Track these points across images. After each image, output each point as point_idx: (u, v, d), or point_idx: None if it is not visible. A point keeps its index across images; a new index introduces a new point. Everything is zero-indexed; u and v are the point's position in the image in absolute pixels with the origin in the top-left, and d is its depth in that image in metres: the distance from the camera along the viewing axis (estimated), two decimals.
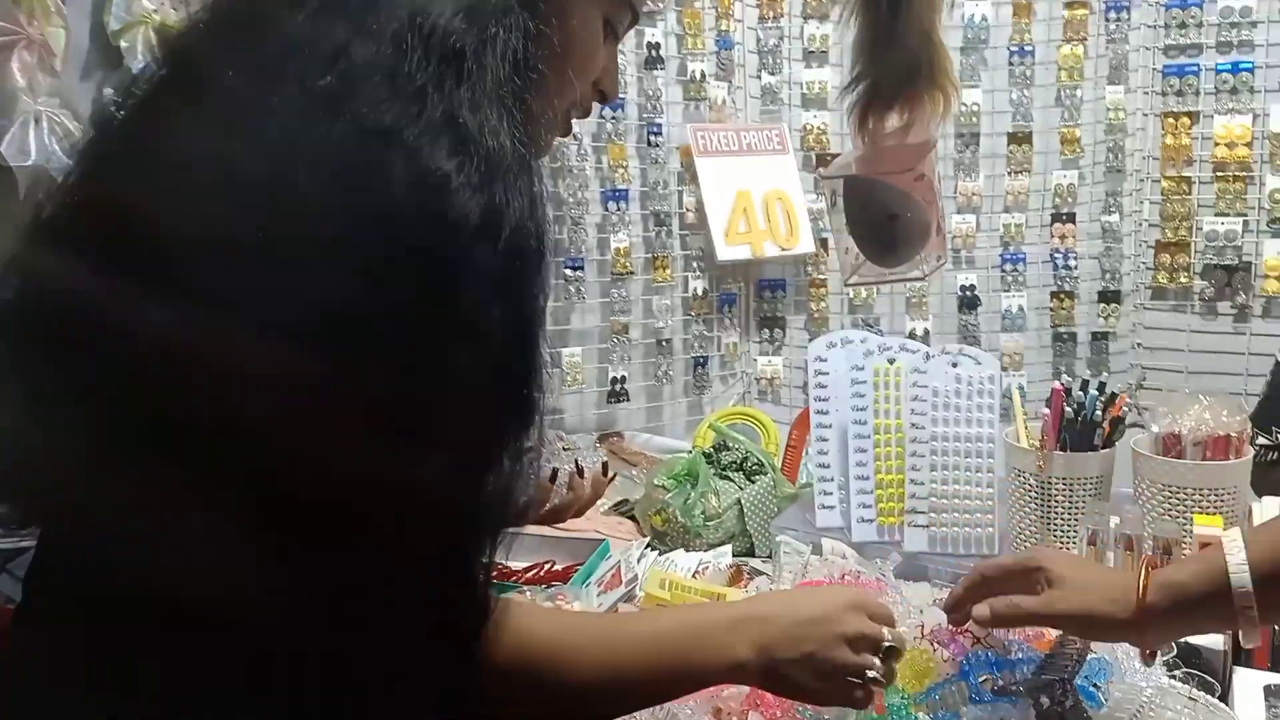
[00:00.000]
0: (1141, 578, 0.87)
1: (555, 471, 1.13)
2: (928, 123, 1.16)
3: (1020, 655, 1.05)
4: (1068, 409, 1.43)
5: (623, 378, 2.20)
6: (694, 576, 1.63)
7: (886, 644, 0.90)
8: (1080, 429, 1.42)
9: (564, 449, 1.16)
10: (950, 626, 1.27)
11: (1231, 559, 0.82)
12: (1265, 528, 0.92)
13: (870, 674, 0.89)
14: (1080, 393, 1.43)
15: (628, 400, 2.22)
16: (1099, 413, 1.42)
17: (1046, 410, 1.45)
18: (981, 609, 0.98)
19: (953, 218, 2.38)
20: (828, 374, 1.68)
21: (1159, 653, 1.04)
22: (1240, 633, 0.87)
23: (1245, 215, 2.25)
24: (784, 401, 2.38)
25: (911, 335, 2.38)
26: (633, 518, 1.89)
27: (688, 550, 1.73)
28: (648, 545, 1.77)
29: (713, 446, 1.95)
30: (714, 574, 1.63)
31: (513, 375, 0.64)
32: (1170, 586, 0.87)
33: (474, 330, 0.62)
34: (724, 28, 2.26)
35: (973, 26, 2.30)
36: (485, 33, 0.67)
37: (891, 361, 1.64)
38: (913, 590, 1.45)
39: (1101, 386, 1.46)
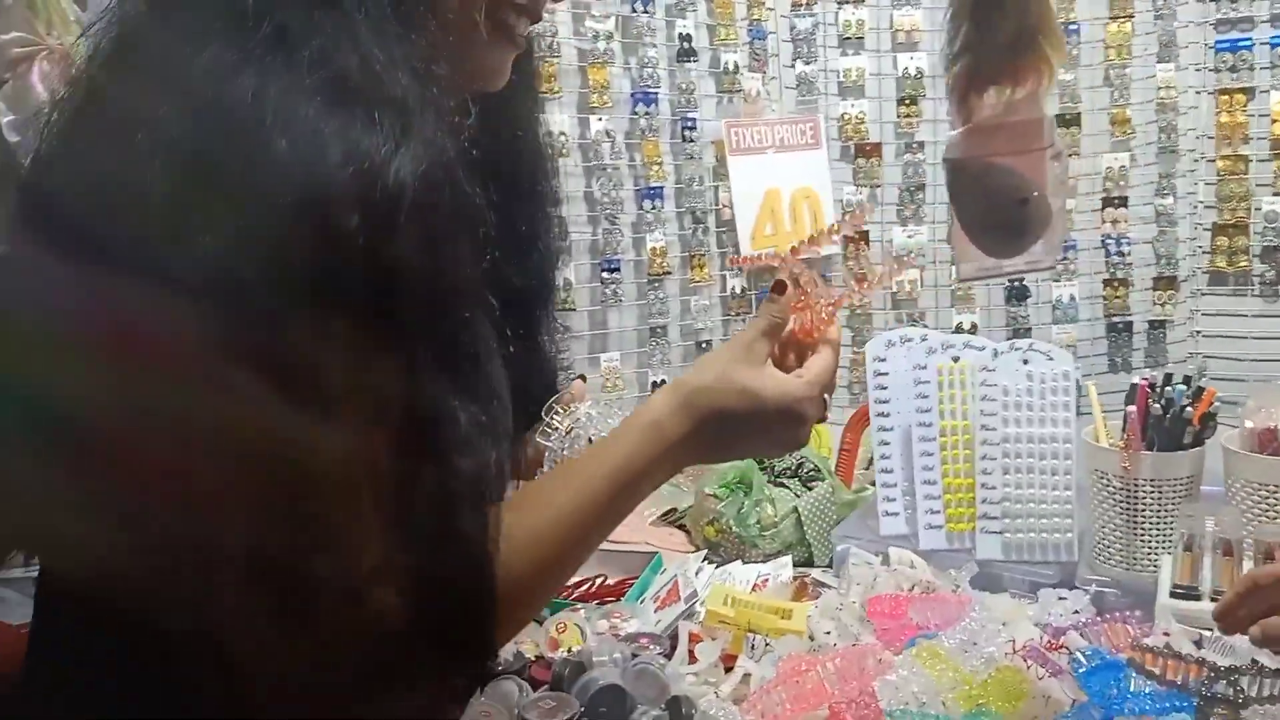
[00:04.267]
0: None
1: None
2: (1042, 95, 1.07)
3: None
4: (1154, 405, 1.34)
5: (663, 381, 2.12)
6: (753, 590, 1.56)
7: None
8: (1169, 426, 1.34)
9: (566, 432, 1.08)
10: (1045, 643, 1.19)
11: None
12: None
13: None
14: (1167, 387, 1.35)
15: None
16: (1188, 408, 1.33)
17: (1131, 407, 1.37)
18: (1254, 630, 0.87)
19: None
20: (887, 374, 1.59)
21: None
22: None
23: None
24: (837, 404, 2.29)
25: (959, 329, 2.30)
26: (683, 527, 1.82)
27: (744, 562, 1.66)
28: (704, 558, 1.70)
29: None
30: (776, 587, 1.55)
31: (424, 326, 0.62)
32: None
33: (367, 281, 0.59)
34: (756, 17, 2.18)
35: None
36: None
37: (956, 360, 1.56)
38: (995, 602, 1.37)
39: (1188, 380, 1.37)
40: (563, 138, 1.91)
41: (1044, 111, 1.09)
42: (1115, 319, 2.32)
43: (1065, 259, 2.30)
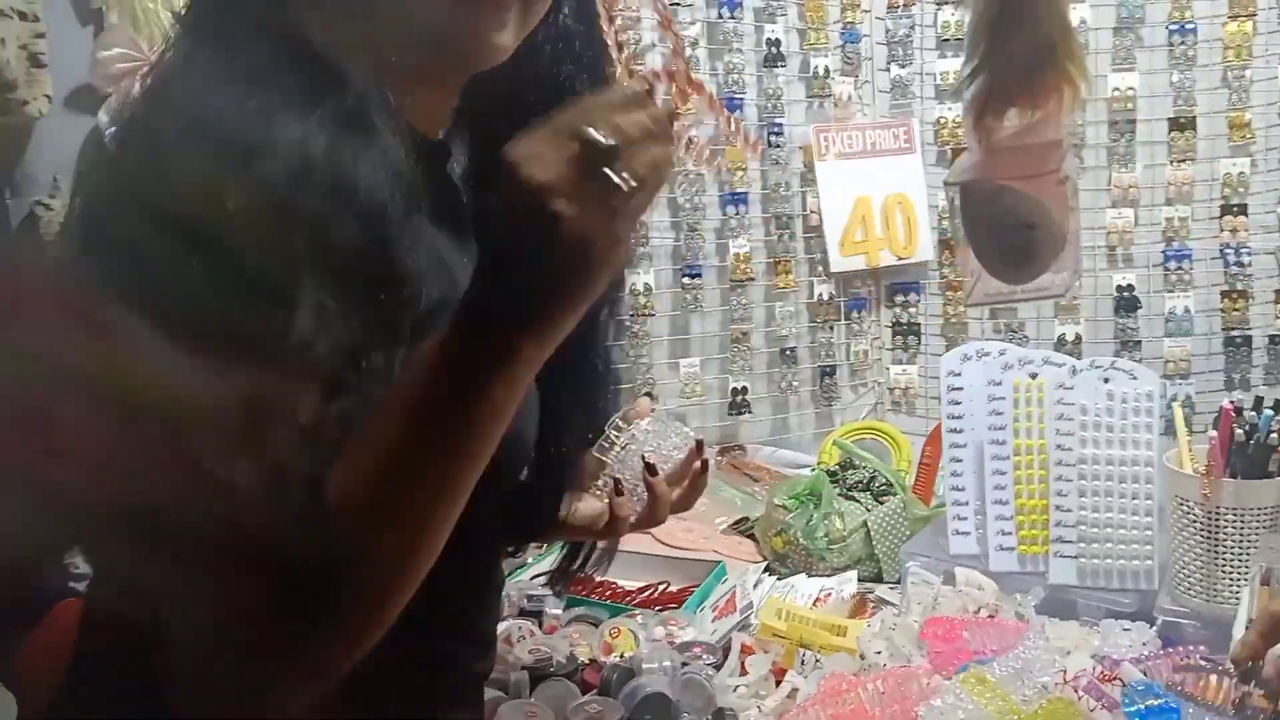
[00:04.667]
0: None
1: (618, 483, 1.05)
2: (1060, 117, 1.03)
3: None
4: (1238, 430, 1.26)
5: (744, 388, 2.11)
6: (814, 605, 1.54)
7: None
8: (1253, 453, 1.26)
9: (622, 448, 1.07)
10: (1099, 674, 1.14)
11: None
12: None
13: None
14: (1253, 412, 1.27)
15: (750, 412, 2.13)
16: (1274, 435, 1.25)
17: (1213, 432, 1.29)
18: (1269, 670, 0.81)
19: (1107, 212, 2.19)
20: (962, 389, 1.55)
21: None
22: None
23: None
24: (919, 412, 2.23)
25: (1061, 342, 2.20)
26: (753, 537, 1.80)
27: (809, 575, 1.64)
28: (765, 569, 1.68)
29: (838, 464, 1.85)
30: (836, 603, 1.52)
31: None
32: None
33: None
34: (850, 20, 2.14)
35: (1127, 4, 2.10)
36: None
37: (1034, 376, 1.50)
38: (1058, 629, 1.32)
39: (1277, 405, 1.29)
40: None
41: (1060, 134, 1.04)
42: (1233, 333, 2.18)
43: (1180, 269, 2.18)
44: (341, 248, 0.66)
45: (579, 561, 1.10)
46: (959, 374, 1.54)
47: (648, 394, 1.28)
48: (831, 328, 2.20)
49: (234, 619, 0.61)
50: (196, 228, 0.63)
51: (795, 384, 2.18)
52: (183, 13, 0.76)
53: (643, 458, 1.06)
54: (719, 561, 1.65)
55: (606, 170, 0.60)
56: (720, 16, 2.00)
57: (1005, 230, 1.05)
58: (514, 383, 0.64)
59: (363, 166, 0.68)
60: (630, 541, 1.70)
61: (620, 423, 1.08)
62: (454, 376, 0.63)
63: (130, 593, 0.66)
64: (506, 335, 0.63)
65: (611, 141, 0.60)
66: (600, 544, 1.10)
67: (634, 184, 0.61)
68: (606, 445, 1.07)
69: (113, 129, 0.76)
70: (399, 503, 0.64)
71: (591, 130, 0.60)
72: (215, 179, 0.64)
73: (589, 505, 1.06)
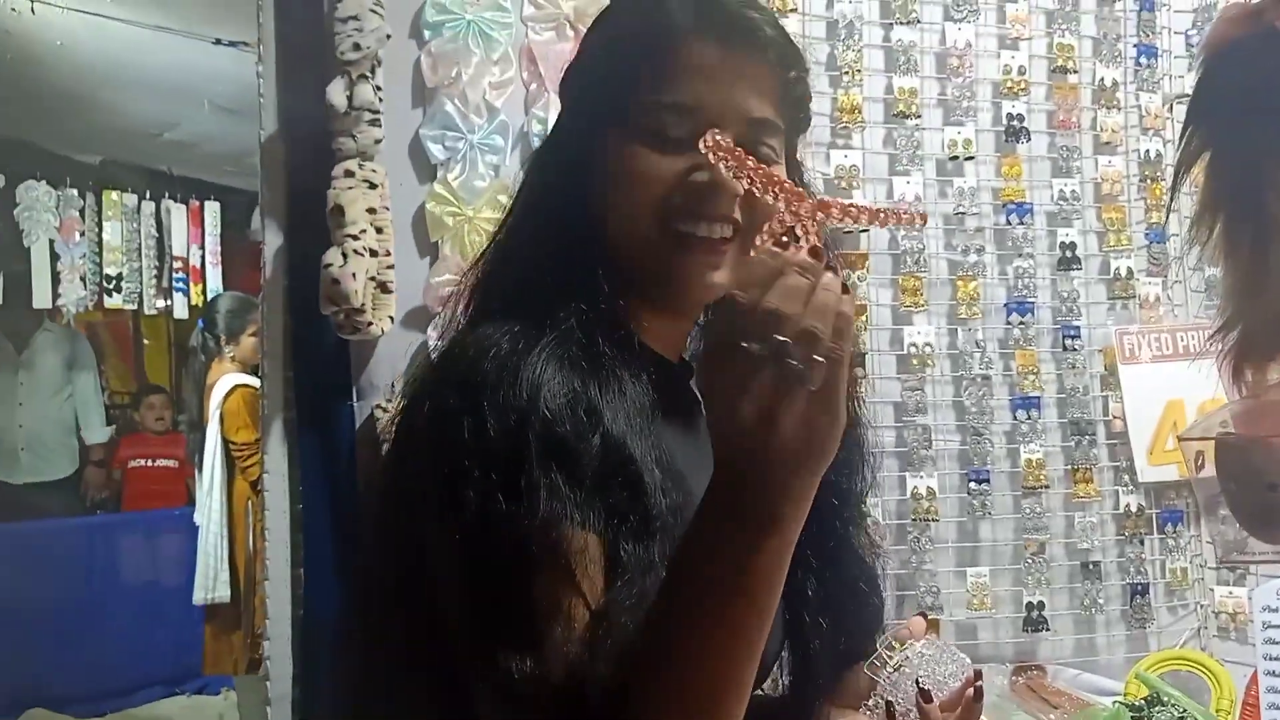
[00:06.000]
0: None
1: (890, 705, 1.02)
2: None
3: None
4: None
5: (1040, 603, 1.98)
6: None
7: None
8: None
9: (895, 669, 1.04)
10: None
11: None
12: None
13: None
14: None
15: (1048, 629, 1.98)
16: None
17: None
18: None
19: None
20: (1279, 627, 1.38)
21: None
22: None
23: None
24: (1250, 641, 1.98)
25: None
26: None
27: None
28: None
29: (1144, 699, 1.68)
30: None
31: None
32: None
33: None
34: (1154, 220, 2.06)
35: None
36: None
37: None
38: None
39: None
40: (928, 348, 1.93)
41: None
42: None
43: None
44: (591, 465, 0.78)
45: None
46: (1276, 610, 1.38)
47: (921, 614, 1.25)
48: (1142, 541, 2.03)
49: None
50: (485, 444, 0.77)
51: (1101, 601, 2.01)
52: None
53: (917, 682, 1.04)
54: None
55: (785, 361, 0.64)
56: (1008, 223, 2.00)
57: (1251, 488, 0.96)
58: (780, 547, 0.68)
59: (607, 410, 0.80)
60: None
61: (894, 642, 1.07)
62: (720, 552, 0.68)
63: None
64: (756, 506, 0.67)
65: (769, 343, 0.64)
66: None
67: (817, 359, 0.64)
68: (878, 664, 1.06)
69: (437, 343, 0.95)
70: (692, 683, 0.69)
71: (748, 344, 0.64)
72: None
73: None
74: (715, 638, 0.68)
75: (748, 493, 0.67)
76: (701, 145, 0.75)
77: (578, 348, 0.82)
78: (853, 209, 0.73)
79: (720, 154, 0.74)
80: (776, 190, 0.73)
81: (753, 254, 0.69)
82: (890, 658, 1.05)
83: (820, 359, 0.64)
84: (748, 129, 0.87)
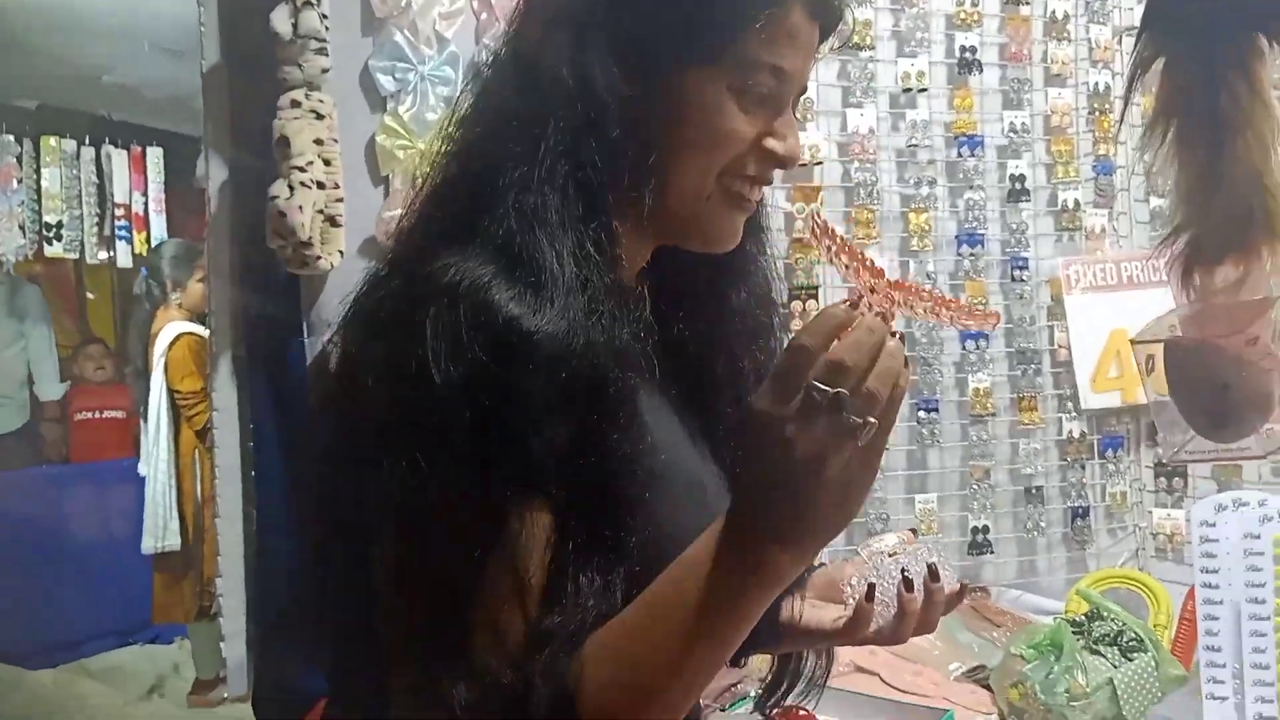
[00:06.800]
0: None
1: (871, 587, 1.03)
2: (1265, 278, 0.97)
3: None
4: None
5: (985, 527, 2.03)
6: None
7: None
8: None
9: (889, 554, 1.05)
10: None
11: None
12: None
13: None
14: None
15: (992, 552, 2.04)
16: None
17: None
18: None
19: None
20: (1216, 541, 1.43)
21: None
22: None
23: None
24: (1187, 561, 2.05)
25: None
26: (989, 686, 1.71)
27: None
28: None
29: (1084, 614, 1.73)
30: None
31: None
32: None
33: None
34: (1103, 152, 2.09)
35: None
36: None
37: None
38: None
39: None
40: None
41: (1266, 292, 0.97)
42: None
43: None
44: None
45: (789, 680, 1.10)
46: (1213, 525, 1.42)
47: (912, 530, 1.26)
48: (1083, 466, 2.09)
49: None
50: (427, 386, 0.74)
51: (1044, 525, 2.07)
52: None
53: (903, 570, 1.05)
54: (947, 710, 1.59)
55: (842, 415, 0.65)
56: (960, 155, 2.02)
57: (1201, 389, 0.99)
58: (767, 595, 0.70)
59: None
60: (853, 681, 1.67)
61: (893, 537, 1.08)
62: (712, 583, 0.69)
63: None
64: (767, 550, 0.68)
65: (836, 390, 0.65)
66: (811, 662, 1.09)
67: (871, 420, 0.66)
68: (874, 548, 1.06)
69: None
70: (646, 691, 0.71)
71: (817, 383, 0.66)
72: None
73: (817, 611, 1.06)
74: (688, 663, 0.70)
75: (773, 525, 0.68)
76: (811, 226, 0.79)
77: (579, 293, 0.78)
78: (924, 293, 0.74)
79: (826, 240, 0.76)
80: (860, 267, 0.75)
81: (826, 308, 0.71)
82: (885, 545, 1.06)
83: (874, 421, 0.66)
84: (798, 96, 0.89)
